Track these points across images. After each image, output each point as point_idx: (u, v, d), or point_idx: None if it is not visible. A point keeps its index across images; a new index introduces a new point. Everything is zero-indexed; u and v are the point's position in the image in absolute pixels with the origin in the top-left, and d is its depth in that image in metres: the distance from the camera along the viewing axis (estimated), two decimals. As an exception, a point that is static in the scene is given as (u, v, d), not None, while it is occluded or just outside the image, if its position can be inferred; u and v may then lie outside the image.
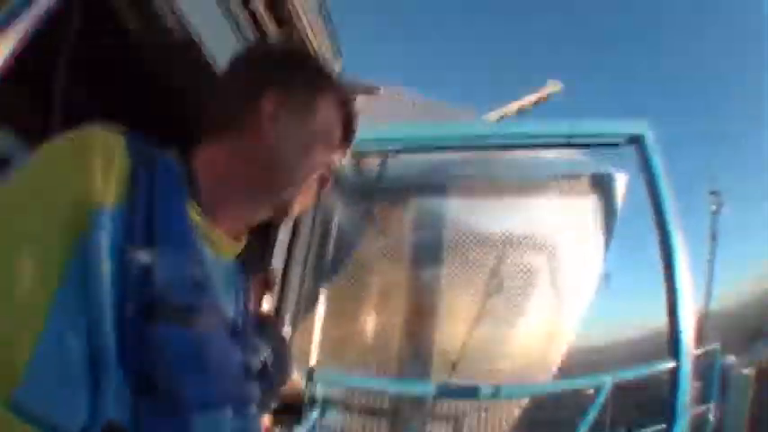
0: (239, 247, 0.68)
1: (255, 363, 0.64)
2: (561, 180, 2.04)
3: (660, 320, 1.88)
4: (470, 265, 1.79)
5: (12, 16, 0.93)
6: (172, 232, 0.51)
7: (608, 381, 1.78)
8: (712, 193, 12.88)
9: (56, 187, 0.46)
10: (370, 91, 2.07)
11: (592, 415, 1.77)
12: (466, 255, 1.80)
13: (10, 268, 0.40)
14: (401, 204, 1.87)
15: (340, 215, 1.77)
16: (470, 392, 1.82)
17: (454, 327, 1.80)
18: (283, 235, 1.61)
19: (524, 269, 1.88)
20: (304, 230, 1.66)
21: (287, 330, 1.58)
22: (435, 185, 1.87)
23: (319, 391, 1.66)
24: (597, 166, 2.20)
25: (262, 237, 1.59)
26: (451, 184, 1.87)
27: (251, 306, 0.75)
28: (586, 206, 2.06)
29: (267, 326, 0.77)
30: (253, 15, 1.57)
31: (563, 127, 2.03)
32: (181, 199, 0.55)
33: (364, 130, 1.98)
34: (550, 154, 2.09)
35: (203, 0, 1.40)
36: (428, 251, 1.79)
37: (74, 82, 1.52)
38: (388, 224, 1.83)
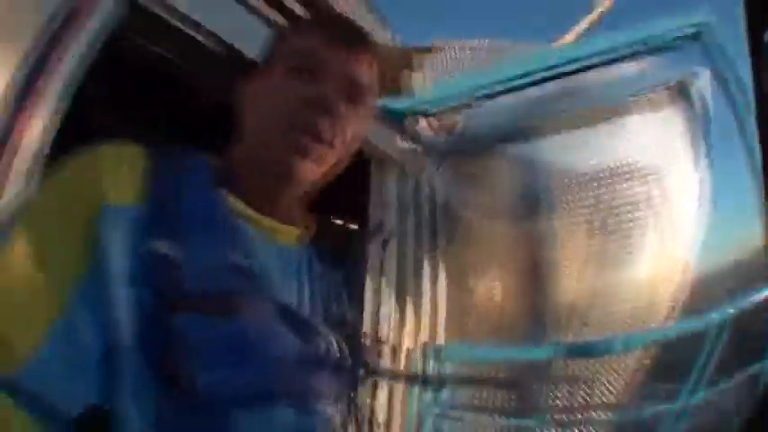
0: (301, 232, 0.63)
1: (324, 352, 0.56)
2: (645, 94, 1.87)
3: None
4: (573, 207, 1.65)
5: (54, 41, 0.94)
6: (200, 224, 0.50)
7: (716, 320, 1.70)
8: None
9: (73, 191, 0.48)
10: (432, 50, 1.96)
11: (702, 360, 1.71)
12: (566, 197, 1.66)
13: (33, 262, 0.43)
14: (492, 156, 1.76)
15: (434, 180, 1.67)
16: (596, 349, 1.71)
17: (566, 275, 1.67)
18: (381, 211, 1.53)
19: (628, 201, 1.71)
20: (403, 202, 1.57)
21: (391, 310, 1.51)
22: (521, 129, 1.74)
23: (448, 368, 1.57)
24: (673, 69, 2.00)
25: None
26: (536, 123, 1.73)
27: (329, 292, 0.66)
28: (677, 117, 1.88)
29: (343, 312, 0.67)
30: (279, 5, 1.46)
31: (628, 35, 1.84)
32: (209, 193, 0.54)
33: (436, 88, 1.87)
34: (623, 70, 1.92)
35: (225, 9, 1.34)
36: (528, 199, 1.67)
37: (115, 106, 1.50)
38: (482, 179, 1.72)
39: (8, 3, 0.90)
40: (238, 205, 0.56)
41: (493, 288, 1.60)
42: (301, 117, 0.56)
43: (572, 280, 1.66)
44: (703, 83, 1.95)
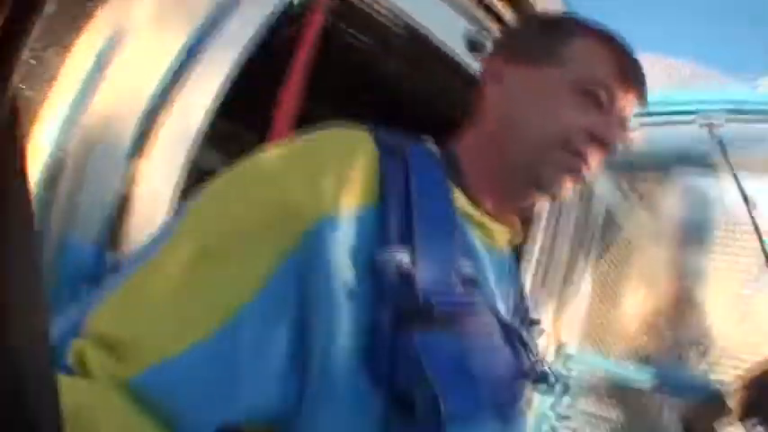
0: (513, 234, 0.62)
1: (527, 361, 0.57)
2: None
3: None
4: (735, 252, 1.58)
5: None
6: (435, 226, 0.45)
7: None
8: None
9: (279, 195, 0.43)
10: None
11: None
12: (731, 239, 1.59)
13: (213, 269, 0.39)
14: (666, 180, 1.73)
15: (603, 191, 1.68)
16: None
17: (713, 316, 1.61)
18: (547, 214, 1.57)
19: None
20: (569, 208, 1.60)
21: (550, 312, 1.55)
22: (702, 160, 1.70)
23: (575, 374, 1.60)
24: None
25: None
26: (720, 158, 1.67)
27: (525, 299, 0.69)
28: None
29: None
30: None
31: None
32: (442, 188, 0.50)
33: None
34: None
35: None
36: (692, 232, 1.62)
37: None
38: (652, 201, 1.70)
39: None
40: (461, 200, 0.54)
41: (636, 309, 1.60)
42: (578, 143, 0.55)
43: (717, 321, 1.60)
44: None
